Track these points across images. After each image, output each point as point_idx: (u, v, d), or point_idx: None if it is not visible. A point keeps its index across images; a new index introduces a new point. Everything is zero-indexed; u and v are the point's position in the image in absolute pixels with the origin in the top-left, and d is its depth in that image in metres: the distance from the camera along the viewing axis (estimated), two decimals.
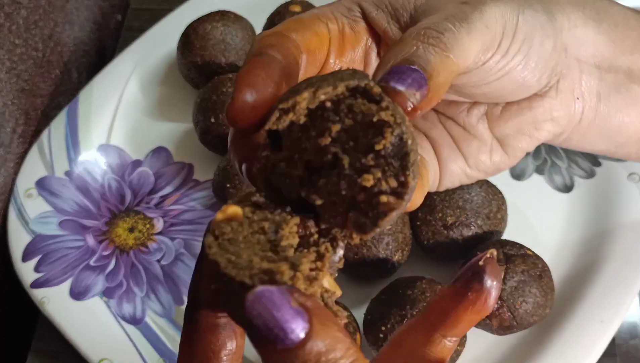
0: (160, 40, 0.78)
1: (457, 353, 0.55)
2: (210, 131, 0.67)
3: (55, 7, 0.76)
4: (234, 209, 0.28)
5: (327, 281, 0.28)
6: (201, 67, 0.72)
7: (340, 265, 0.29)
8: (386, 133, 0.27)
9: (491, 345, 0.60)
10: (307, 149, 0.28)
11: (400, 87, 0.29)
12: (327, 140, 0.27)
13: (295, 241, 0.28)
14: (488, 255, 0.29)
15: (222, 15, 0.74)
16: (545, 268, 0.58)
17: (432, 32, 0.31)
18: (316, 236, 0.29)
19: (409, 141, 0.27)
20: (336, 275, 0.29)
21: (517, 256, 0.58)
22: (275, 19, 0.74)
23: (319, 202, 0.28)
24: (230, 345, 0.30)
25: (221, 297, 0.27)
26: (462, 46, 0.32)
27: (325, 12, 0.35)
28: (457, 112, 0.40)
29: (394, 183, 0.27)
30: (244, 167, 0.31)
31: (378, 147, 0.27)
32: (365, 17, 0.36)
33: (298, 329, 0.23)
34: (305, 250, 0.28)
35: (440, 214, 0.61)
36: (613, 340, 0.61)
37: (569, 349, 0.58)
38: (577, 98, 0.38)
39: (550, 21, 0.36)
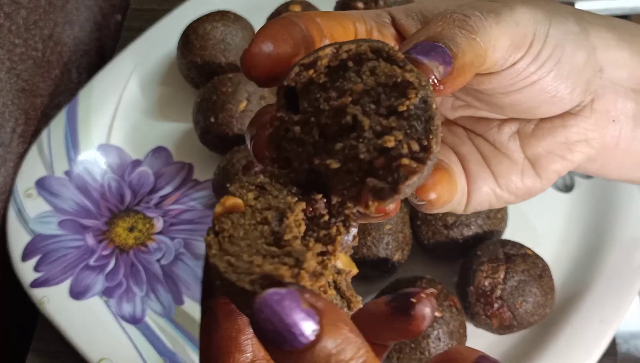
0: (160, 40, 0.78)
1: None
2: (210, 131, 0.67)
3: (55, 7, 0.76)
4: (232, 202, 0.27)
5: (341, 261, 0.27)
6: (201, 67, 0.72)
7: (355, 243, 0.28)
8: (410, 94, 0.26)
9: (491, 344, 0.60)
10: (325, 111, 0.27)
11: (423, 59, 0.28)
12: (347, 99, 0.26)
13: (301, 228, 0.27)
14: (427, 293, 0.29)
15: (222, 15, 0.74)
16: (545, 268, 0.58)
17: (459, 15, 0.31)
18: (326, 217, 0.28)
19: (434, 105, 0.26)
20: (351, 252, 0.28)
21: (517, 256, 0.58)
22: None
23: (334, 166, 0.26)
24: (250, 329, 0.29)
25: (229, 294, 0.27)
26: (489, 34, 0.31)
27: (354, 13, 0.34)
28: (487, 129, 0.39)
29: (415, 146, 0.26)
30: (252, 141, 0.30)
31: (401, 108, 0.26)
32: (394, 24, 0.35)
33: (308, 331, 0.23)
34: (314, 236, 0.27)
35: (440, 214, 0.61)
36: (613, 340, 0.61)
37: (569, 349, 0.58)
38: (613, 120, 0.36)
39: (582, 34, 0.35)
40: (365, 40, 0.27)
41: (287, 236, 0.26)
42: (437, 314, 0.55)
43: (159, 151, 0.73)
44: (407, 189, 0.26)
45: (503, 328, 0.57)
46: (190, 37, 0.72)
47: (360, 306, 0.27)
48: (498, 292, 0.56)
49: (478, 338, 0.59)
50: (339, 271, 0.27)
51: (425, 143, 0.26)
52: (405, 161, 0.25)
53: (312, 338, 0.23)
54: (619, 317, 0.58)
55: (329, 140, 0.27)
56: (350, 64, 0.27)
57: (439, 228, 0.61)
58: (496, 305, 0.56)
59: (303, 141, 0.27)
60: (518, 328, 0.58)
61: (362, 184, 0.26)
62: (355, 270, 0.28)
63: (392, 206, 0.30)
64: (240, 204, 0.27)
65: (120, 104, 0.75)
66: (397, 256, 0.60)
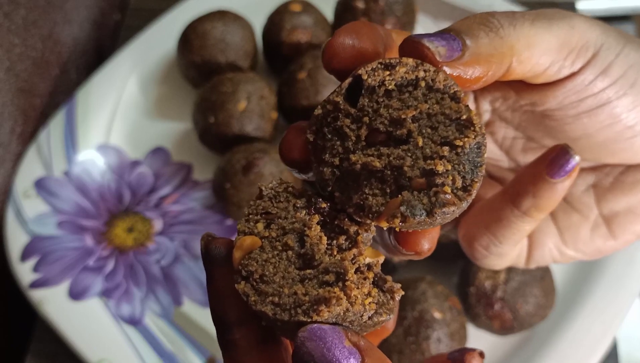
0: (160, 39, 0.78)
1: None
2: (209, 131, 0.67)
3: (54, 7, 0.75)
4: (250, 241, 0.27)
5: (367, 255, 0.27)
6: (200, 66, 0.72)
7: (373, 233, 0.29)
8: (469, 134, 0.26)
9: (492, 345, 0.60)
10: (382, 116, 0.27)
11: (424, 40, 0.28)
12: (410, 113, 0.27)
13: (323, 241, 0.27)
14: (480, 352, 0.30)
15: (221, 15, 0.74)
16: (546, 269, 0.58)
17: (483, 14, 0.30)
18: (342, 220, 0.28)
19: (485, 155, 0.27)
20: (371, 242, 0.29)
21: None
22: (275, 18, 0.73)
23: (377, 164, 0.27)
24: (285, 353, 0.28)
25: (278, 329, 0.26)
26: (518, 32, 0.29)
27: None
28: None
29: (459, 183, 0.26)
30: (283, 138, 0.30)
31: (458, 143, 0.26)
32: None
33: None
34: (335, 244, 0.27)
35: None
36: (614, 342, 0.61)
37: (570, 350, 0.57)
38: None
39: None
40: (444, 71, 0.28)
41: (318, 255, 0.26)
42: (437, 315, 0.55)
43: (158, 151, 0.73)
44: (439, 217, 0.26)
45: (504, 329, 0.57)
46: (190, 37, 0.72)
47: (402, 292, 0.28)
48: (499, 293, 0.56)
49: (479, 339, 0.59)
50: (369, 266, 0.27)
51: (469, 184, 0.26)
52: (448, 189, 0.26)
53: None
54: (620, 318, 0.58)
55: (370, 145, 0.27)
56: (422, 84, 0.27)
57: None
58: (497, 306, 0.56)
59: (346, 135, 0.28)
60: (519, 330, 0.57)
61: (391, 197, 0.27)
62: (382, 257, 0.28)
63: (427, 245, 0.29)
64: (257, 241, 0.27)
65: (119, 104, 0.75)
66: (397, 258, 0.60)
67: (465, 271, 0.59)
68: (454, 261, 0.63)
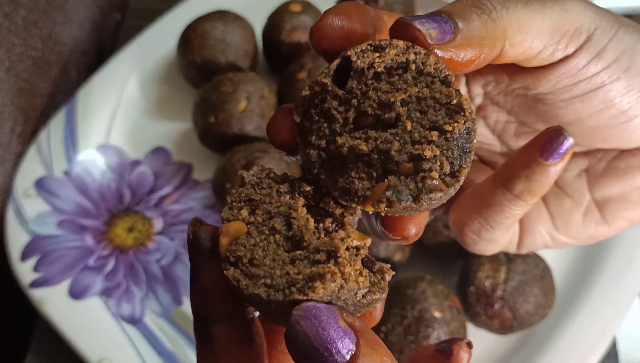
0: (160, 39, 0.78)
1: None
2: (209, 131, 0.67)
3: (55, 7, 0.76)
4: (236, 227, 0.27)
5: (355, 237, 0.27)
6: (201, 66, 0.72)
7: (359, 215, 0.28)
8: (459, 119, 0.26)
9: (492, 344, 0.60)
10: (370, 99, 0.27)
11: (415, 22, 0.27)
12: (398, 97, 0.26)
13: (311, 223, 0.27)
14: (467, 342, 0.29)
15: (221, 15, 0.74)
16: (546, 269, 0.58)
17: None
18: (328, 204, 0.28)
19: (474, 141, 0.27)
20: (357, 225, 0.28)
21: (517, 257, 0.57)
22: (275, 18, 0.73)
23: (364, 148, 0.26)
24: (262, 349, 0.27)
25: (271, 315, 0.26)
26: (511, 15, 0.29)
27: None
28: None
29: (447, 169, 0.26)
30: (270, 120, 0.30)
31: (447, 128, 0.26)
32: None
33: (344, 350, 0.22)
34: (321, 227, 0.27)
35: (439, 214, 0.60)
36: (614, 340, 0.61)
37: (570, 349, 0.57)
38: None
39: None
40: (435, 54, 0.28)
41: (307, 236, 0.26)
42: (437, 314, 0.55)
43: (158, 151, 0.73)
44: (425, 203, 0.26)
45: (504, 329, 0.57)
46: (190, 37, 0.72)
47: (392, 272, 0.27)
48: (499, 292, 0.56)
49: (479, 339, 0.59)
50: (357, 248, 0.27)
51: (457, 170, 0.26)
52: (435, 175, 0.26)
53: (347, 357, 0.22)
54: (620, 318, 0.58)
55: (358, 128, 0.27)
56: (413, 66, 0.27)
57: (439, 228, 0.60)
58: (497, 306, 0.56)
59: (333, 117, 0.27)
60: (519, 329, 0.58)
61: (377, 181, 0.26)
62: (369, 239, 0.28)
63: (413, 230, 0.29)
64: (243, 227, 0.27)
65: (120, 104, 0.75)
66: (397, 257, 0.60)
67: (465, 270, 0.59)
68: (454, 261, 0.63)
